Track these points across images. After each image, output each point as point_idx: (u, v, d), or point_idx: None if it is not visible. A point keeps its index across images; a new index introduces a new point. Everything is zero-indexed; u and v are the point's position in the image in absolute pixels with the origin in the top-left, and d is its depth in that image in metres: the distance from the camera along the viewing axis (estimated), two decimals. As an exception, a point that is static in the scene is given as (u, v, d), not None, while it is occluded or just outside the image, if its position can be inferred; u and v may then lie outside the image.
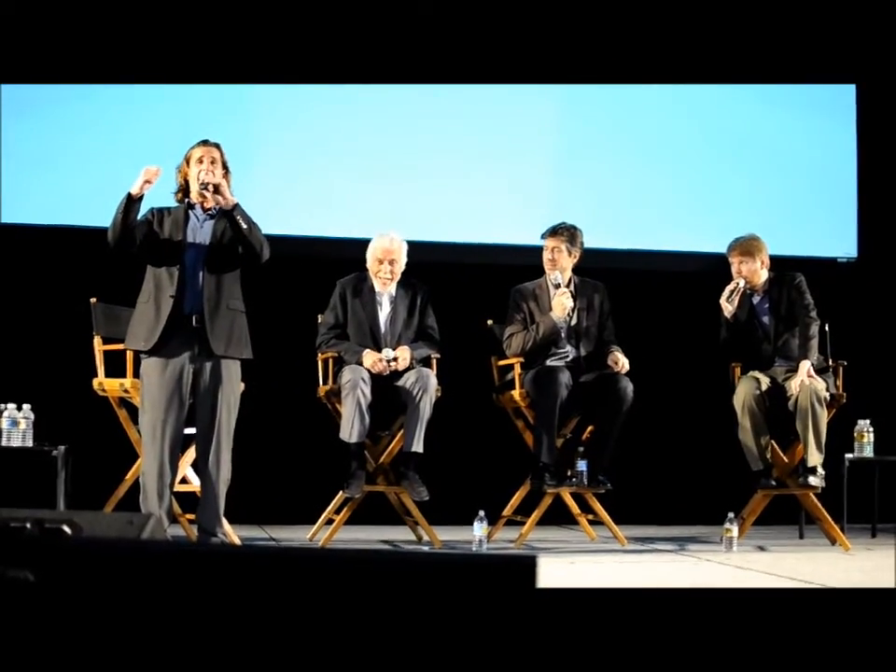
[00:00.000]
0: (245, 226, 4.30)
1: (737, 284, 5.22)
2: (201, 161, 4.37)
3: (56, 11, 5.61)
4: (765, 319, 5.32)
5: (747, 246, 5.28)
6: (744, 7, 6.19)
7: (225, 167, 4.41)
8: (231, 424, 4.36)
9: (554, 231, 5.22)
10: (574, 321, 5.24)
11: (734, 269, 5.28)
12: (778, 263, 5.49)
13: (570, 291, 5.20)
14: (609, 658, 1.78)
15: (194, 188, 4.37)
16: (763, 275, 5.32)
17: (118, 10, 5.61)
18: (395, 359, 4.93)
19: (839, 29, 6.30)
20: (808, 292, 5.30)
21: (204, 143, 4.43)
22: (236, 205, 4.31)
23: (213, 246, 4.36)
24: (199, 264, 4.33)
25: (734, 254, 5.29)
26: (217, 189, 4.30)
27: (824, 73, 6.35)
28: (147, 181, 4.16)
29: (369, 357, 4.91)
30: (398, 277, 5.13)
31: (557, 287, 5.18)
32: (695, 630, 1.84)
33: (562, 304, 5.13)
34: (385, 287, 5.10)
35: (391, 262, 5.08)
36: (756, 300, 5.34)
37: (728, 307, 5.19)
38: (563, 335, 5.22)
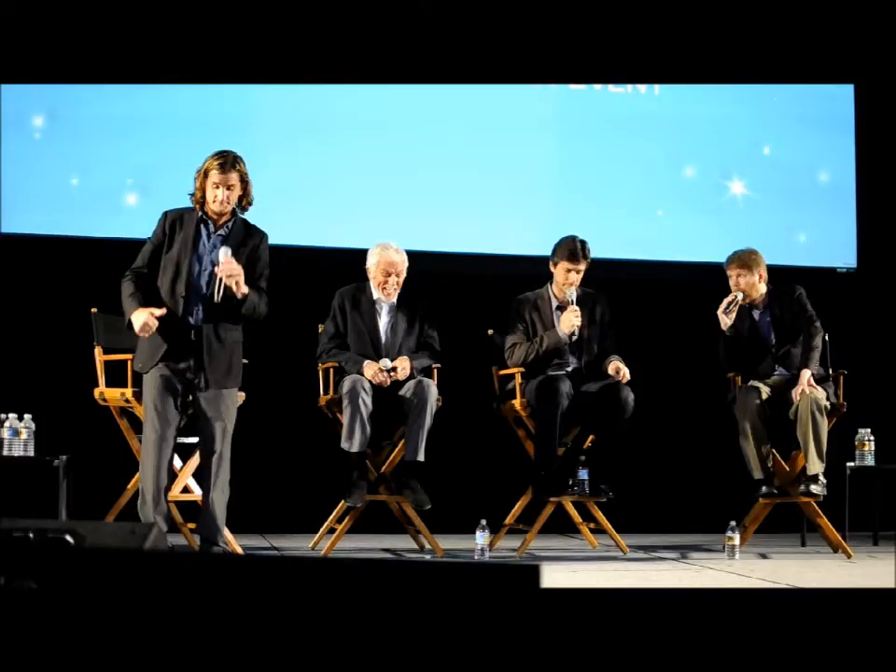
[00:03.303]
0: (246, 312, 4.36)
1: (735, 296, 5.23)
2: (216, 186, 4.35)
3: (56, 11, 5.60)
4: (767, 334, 5.33)
5: (745, 259, 5.29)
6: (743, 8, 6.19)
7: (244, 181, 4.40)
8: (230, 433, 4.37)
9: (587, 256, 5.14)
10: (577, 331, 5.23)
11: (731, 282, 5.29)
12: (778, 273, 5.51)
13: (580, 313, 5.16)
14: (612, 660, 1.78)
15: (210, 201, 4.35)
16: (761, 289, 5.33)
17: (118, 11, 5.61)
18: (394, 369, 4.94)
19: (838, 29, 6.30)
20: (809, 304, 5.31)
21: (222, 167, 4.34)
22: (245, 295, 4.33)
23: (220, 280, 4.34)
24: (205, 292, 4.33)
25: (732, 267, 5.30)
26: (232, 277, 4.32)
27: (822, 73, 6.36)
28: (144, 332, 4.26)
29: (369, 368, 4.92)
30: (402, 282, 5.14)
31: (571, 303, 5.15)
32: (697, 630, 1.84)
33: (570, 322, 5.11)
34: (389, 297, 5.11)
35: (398, 274, 5.10)
36: (757, 314, 5.35)
37: (725, 319, 5.20)
38: (566, 348, 5.22)
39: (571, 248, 5.15)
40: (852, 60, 6.39)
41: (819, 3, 6.25)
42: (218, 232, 4.40)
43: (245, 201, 4.42)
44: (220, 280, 4.28)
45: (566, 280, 5.18)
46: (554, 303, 5.25)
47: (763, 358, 5.31)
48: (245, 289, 4.31)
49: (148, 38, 5.63)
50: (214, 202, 4.35)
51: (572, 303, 5.15)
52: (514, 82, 6.18)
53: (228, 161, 4.36)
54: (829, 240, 6.71)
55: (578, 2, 6.08)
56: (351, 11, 5.85)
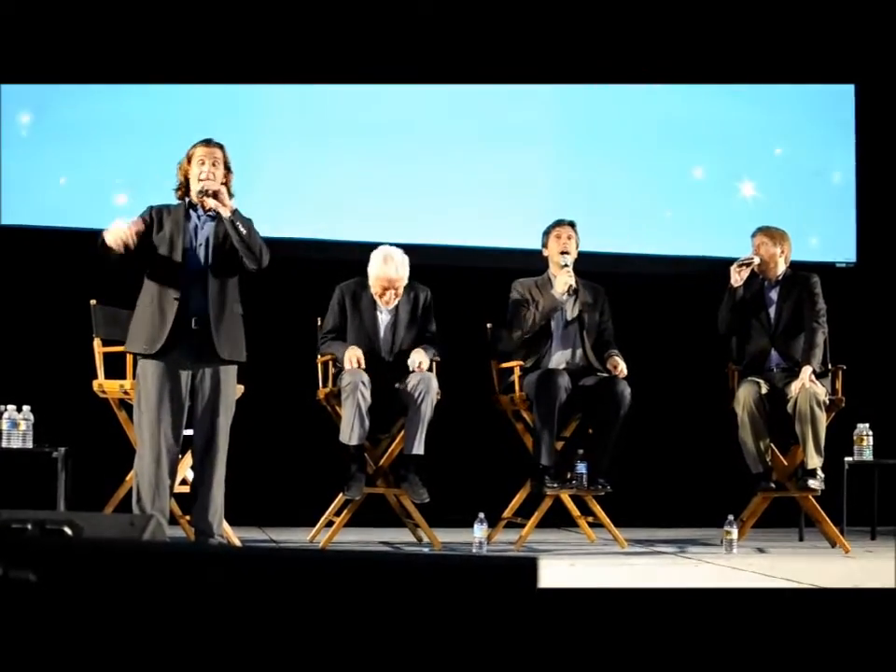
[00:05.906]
0: (243, 231, 4.25)
1: (752, 258, 5.24)
2: (202, 163, 4.32)
3: (56, 11, 5.61)
4: (771, 309, 5.32)
5: (772, 232, 5.35)
6: (744, 8, 6.19)
7: (227, 167, 4.37)
8: (228, 426, 4.34)
9: (571, 223, 5.32)
10: (576, 312, 5.25)
11: (753, 249, 5.31)
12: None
13: (573, 274, 5.23)
14: (610, 659, 1.79)
15: (195, 187, 4.33)
16: (780, 266, 5.34)
17: (118, 10, 5.61)
18: (419, 366, 4.93)
19: (838, 29, 6.30)
20: (822, 297, 5.29)
21: (207, 143, 4.36)
22: (234, 211, 4.27)
23: (217, 249, 4.31)
24: (203, 267, 4.29)
25: (758, 235, 5.35)
26: (215, 195, 4.27)
27: (823, 73, 6.36)
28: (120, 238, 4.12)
29: (352, 351, 4.90)
30: (401, 293, 5.12)
31: (564, 266, 5.22)
32: (695, 630, 1.84)
33: (564, 281, 5.19)
34: (388, 305, 5.10)
35: (396, 289, 5.08)
36: (768, 290, 5.34)
37: (735, 274, 5.22)
38: (564, 314, 5.23)
39: (555, 220, 5.34)
40: (852, 60, 6.39)
41: (820, 3, 6.24)
42: (209, 213, 4.34)
43: (227, 188, 4.36)
44: (204, 190, 4.24)
45: (558, 247, 5.27)
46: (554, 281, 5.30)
47: (758, 332, 5.29)
48: (229, 202, 4.26)
49: (149, 39, 5.64)
50: (200, 175, 4.30)
51: (565, 266, 5.20)
52: (515, 82, 6.18)
53: (211, 139, 4.39)
54: (828, 235, 6.70)
55: (581, 2, 6.08)
56: (351, 11, 5.84)
